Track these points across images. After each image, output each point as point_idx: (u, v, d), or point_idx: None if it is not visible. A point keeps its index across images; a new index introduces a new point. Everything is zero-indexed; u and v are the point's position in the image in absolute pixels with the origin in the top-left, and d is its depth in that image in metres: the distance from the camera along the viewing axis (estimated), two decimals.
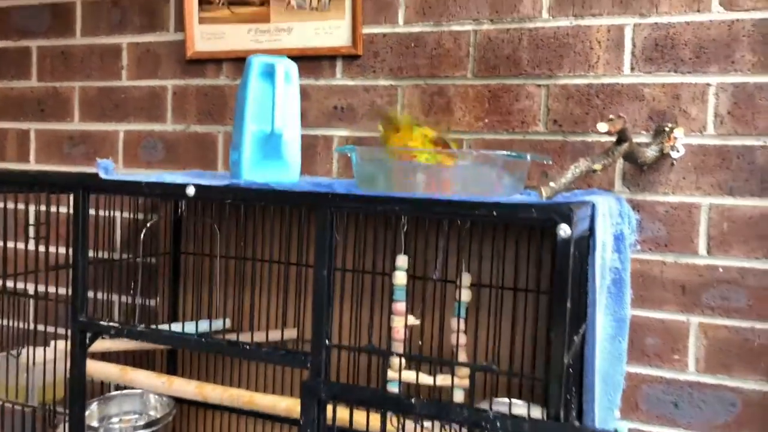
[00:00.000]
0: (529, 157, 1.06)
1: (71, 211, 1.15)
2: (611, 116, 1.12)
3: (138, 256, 1.58)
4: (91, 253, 1.19)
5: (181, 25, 1.62)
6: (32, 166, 1.83)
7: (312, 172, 1.53)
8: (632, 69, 1.27)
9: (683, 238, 1.25)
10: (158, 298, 1.58)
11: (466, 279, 1.13)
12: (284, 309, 1.32)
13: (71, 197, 1.17)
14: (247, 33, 1.56)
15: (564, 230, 0.75)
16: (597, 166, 1.07)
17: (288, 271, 1.42)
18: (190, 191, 0.93)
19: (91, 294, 1.22)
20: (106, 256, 1.62)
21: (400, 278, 1.11)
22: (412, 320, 1.14)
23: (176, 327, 1.17)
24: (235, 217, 1.49)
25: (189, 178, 1.24)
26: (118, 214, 1.66)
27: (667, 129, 1.20)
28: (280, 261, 1.44)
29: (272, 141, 1.21)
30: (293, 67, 1.24)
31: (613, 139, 1.09)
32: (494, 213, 0.79)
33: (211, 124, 1.62)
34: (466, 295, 1.12)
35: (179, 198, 0.94)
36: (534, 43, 1.34)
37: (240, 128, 1.23)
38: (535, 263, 1.23)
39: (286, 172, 1.25)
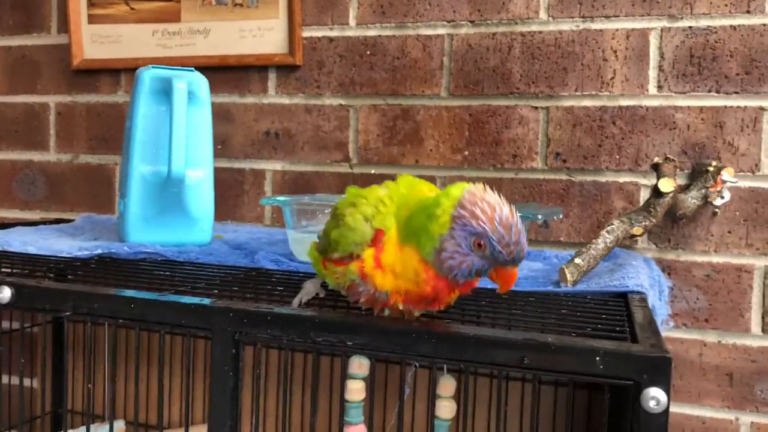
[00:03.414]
0: (540, 217, 0.73)
1: None
2: (657, 158, 0.81)
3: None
4: None
5: (65, 25, 1.24)
6: None
7: (238, 217, 1.17)
8: (659, 88, 0.96)
9: (730, 311, 0.94)
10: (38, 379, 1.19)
11: (447, 386, 0.78)
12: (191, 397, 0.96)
13: None
14: (151, 35, 1.19)
15: (656, 399, 0.42)
16: (637, 230, 0.75)
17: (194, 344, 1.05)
18: (4, 295, 0.56)
19: None
20: None
21: (356, 391, 0.76)
22: None
23: None
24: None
25: (41, 237, 0.87)
26: None
27: (710, 169, 0.89)
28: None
29: (170, 187, 0.85)
30: (201, 81, 0.89)
31: (648, 184, 0.77)
32: (524, 360, 0.45)
33: (106, 153, 1.24)
34: (446, 411, 0.78)
35: None
36: (529, 53, 1.02)
37: (126, 169, 0.87)
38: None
39: (191, 230, 0.89)
